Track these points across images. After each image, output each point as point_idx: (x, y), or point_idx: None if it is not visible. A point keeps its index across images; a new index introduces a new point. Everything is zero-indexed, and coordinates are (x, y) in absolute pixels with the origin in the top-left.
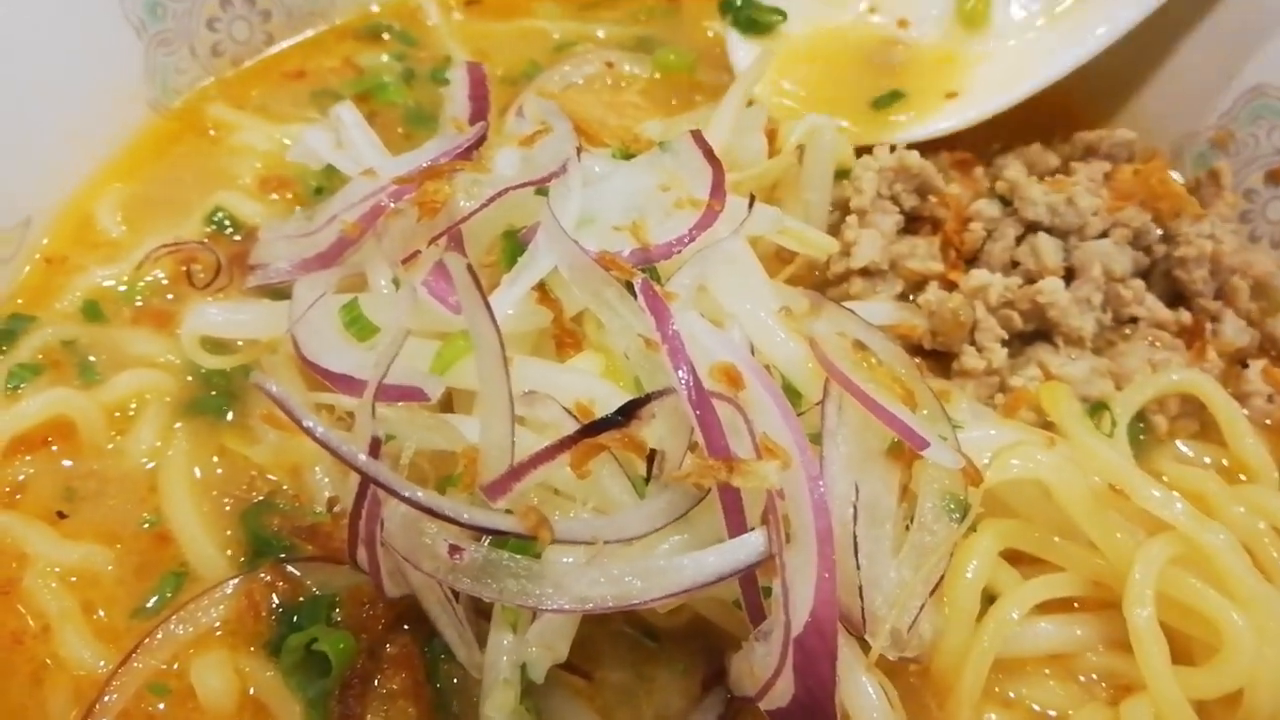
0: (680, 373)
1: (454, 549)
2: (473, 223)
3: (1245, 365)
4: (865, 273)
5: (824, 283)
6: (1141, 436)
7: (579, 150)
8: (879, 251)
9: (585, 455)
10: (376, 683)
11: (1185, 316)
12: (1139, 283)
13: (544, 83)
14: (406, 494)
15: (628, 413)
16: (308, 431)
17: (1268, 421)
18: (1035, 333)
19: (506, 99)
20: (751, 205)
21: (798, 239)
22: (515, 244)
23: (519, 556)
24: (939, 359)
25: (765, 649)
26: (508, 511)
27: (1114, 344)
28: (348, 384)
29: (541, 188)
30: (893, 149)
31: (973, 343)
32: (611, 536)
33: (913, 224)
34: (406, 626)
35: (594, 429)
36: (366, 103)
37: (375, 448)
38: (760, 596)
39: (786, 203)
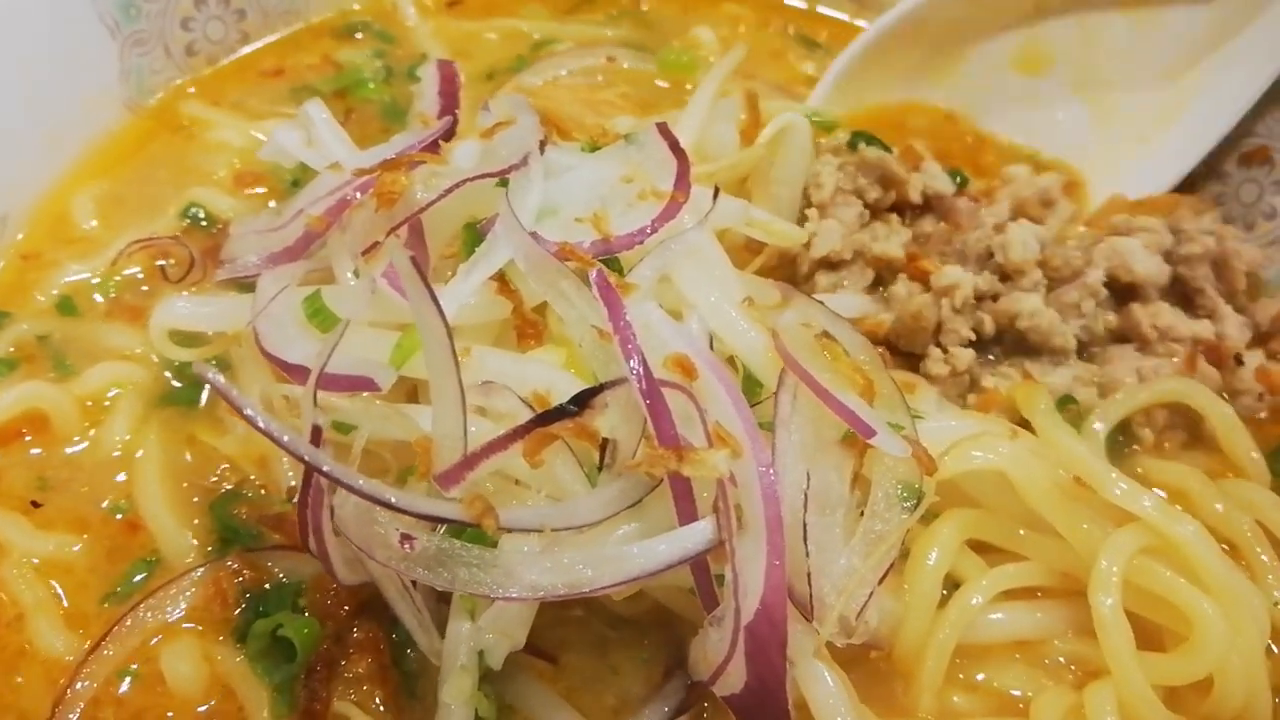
0: (632, 363)
1: (405, 538)
2: (433, 215)
3: (1240, 362)
4: (829, 264)
5: (795, 276)
6: (1126, 450)
7: (544, 143)
8: (839, 241)
9: (538, 444)
10: (342, 665)
11: (1202, 328)
12: (1162, 304)
13: (530, 75)
14: (350, 483)
15: (581, 402)
16: (249, 421)
17: (1262, 415)
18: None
19: (485, 93)
20: (716, 197)
21: (764, 230)
22: (475, 236)
23: (471, 545)
24: (912, 356)
25: (718, 635)
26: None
27: (1103, 349)
28: (301, 374)
29: (504, 180)
30: (851, 143)
31: (939, 344)
32: (560, 524)
33: (878, 216)
34: (372, 612)
35: (547, 418)
36: (344, 99)
37: (316, 436)
38: (713, 584)
39: (756, 195)
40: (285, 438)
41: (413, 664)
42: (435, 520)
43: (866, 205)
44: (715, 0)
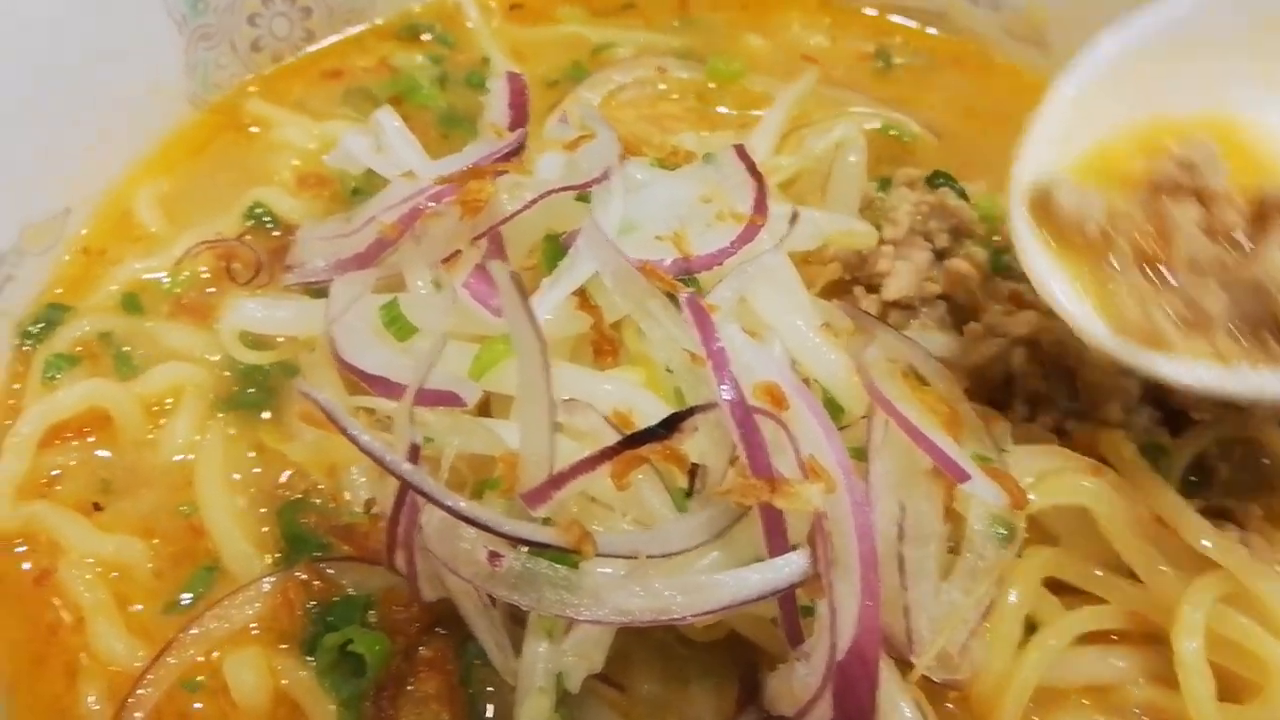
0: (724, 388)
1: (493, 556)
2: (513, 226)
3: None
4: (897, 305)
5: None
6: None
7: (621, 157)
8: (912, 286)
9: (626, 466)
10: (410, 685)
11: None
12: None
13: (587, 90)
14: (448, 503)
15: (670, 425)
16: (352, 439)
17: None
18: None
19: (548, 101)
20: (794, 221)
21: (842, 238)
22: (556, 248)
23: (558, 566)
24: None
25: (806, 670)
26: (547, 521)
27: None
28: (384, 386)
29: (583, 193)
30: (930, 180)
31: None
32: (653, 551)
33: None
34: (441, 630)
35: (636, 440)
36: (401, 105)
37: (414, 454)
38: (798, 616)
39: (809, 204)
40: (387, 457)
41: (480, 685)
42: (532, 544)
43: (935, 251)
44: (767, 5)
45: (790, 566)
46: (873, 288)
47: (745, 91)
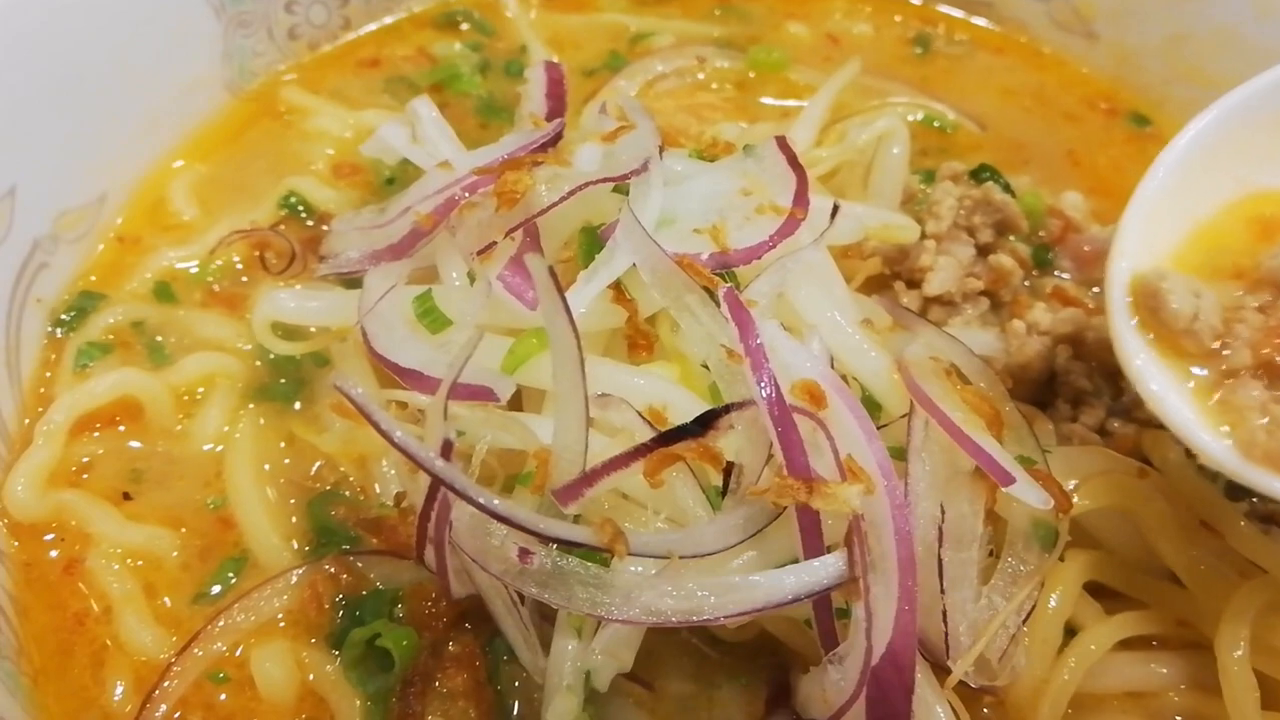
0: (763, 386)
1: (524, 553)
2: (550, 217)
3: None
4: (939, 300)
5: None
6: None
7: (660, 149)
8: (955, 281)
9: (660, 464)
10: (437, 682)
11: None
12: None
13: (624, 81)
14: (481, 500)
15: (706, 423)
16: (385, 435)
17: None
18: None
19: (585, 90)
20: (835, 215)
21: (883, 231)
22: (594, 240)
23: (589, 564)
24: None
25: (840, 674)
26: (579, 519)
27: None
28: (417, 380)
29: (621, 185)
30: (975, 174)
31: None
32: (686, 551)
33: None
34: (469, 625)
35: (671, 437)
36: (440, 93)
37: (447, 450)
38: (833, 619)
39: (849, 198)
40: (420, 452)
41: (508, 682)
42: (565, 543)
43: (978, 247)
44: None
45: (826, 569)
46: (914, 283)
47: (786, 81)
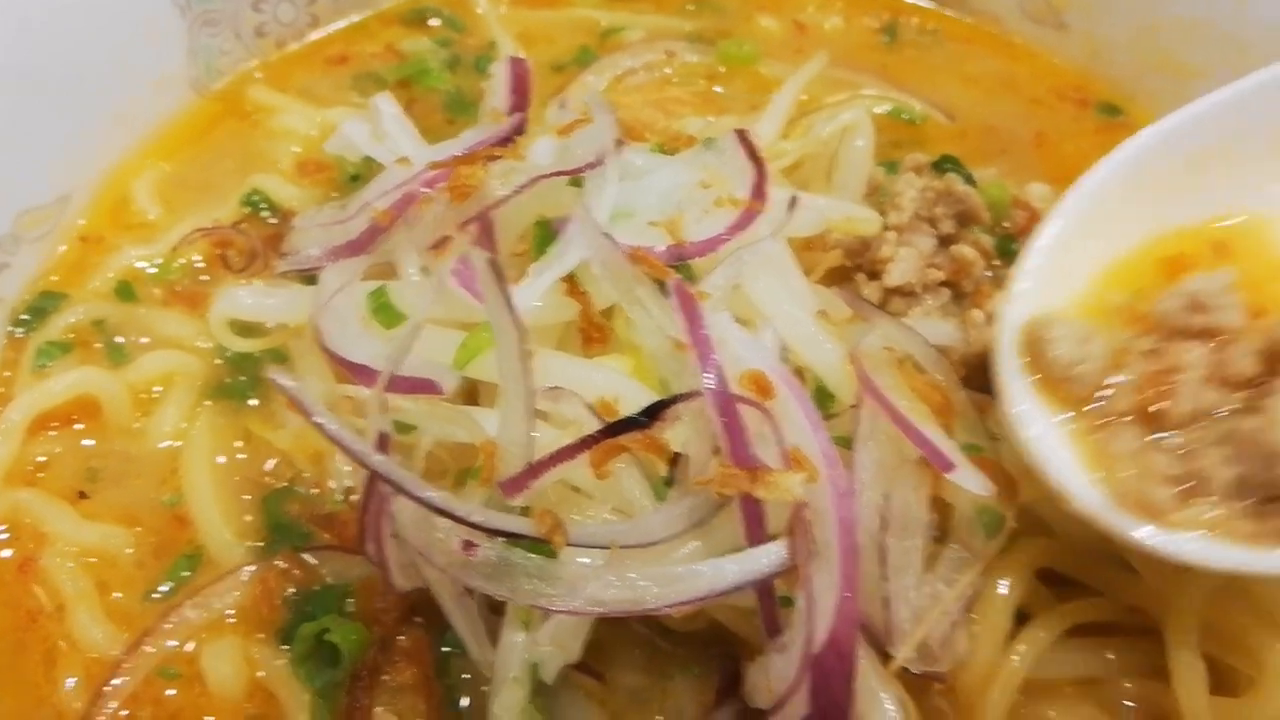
0: (708, 376)
1: (468, 545)
2: (505, 211)
3: None
4: (900, 291)
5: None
6: None
7: (619, 143)
8: (915, 273)
9: (606, 455)
10: (386, 676)
11: None
12: None
13: (593, 76)
14: (418, 493)
15: (652, 414)
16: (319, 428)
17: None
18: None
19: (554, 85)
20: (793, 206)
21: (845, 223)
22: (547, 233)
23: (533, 555)
24: None
25: (783, 662)
26: (523, 511)
27: None
28: (366, 375)
29: (577, 179)
30: (938, 165)
31: None
32: (630, 541)
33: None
34: (419, 620)
35: (616, 429)
36: (408, 89)
37: (383, 443)
38: (777, 607)
39: (813, 190)
40: (355, 446)
41: (457, 675)
42: (503, 534)
43: (940, 238)
44: None
45: (769, 557)
46: (875, 274)
47: (756, 75)
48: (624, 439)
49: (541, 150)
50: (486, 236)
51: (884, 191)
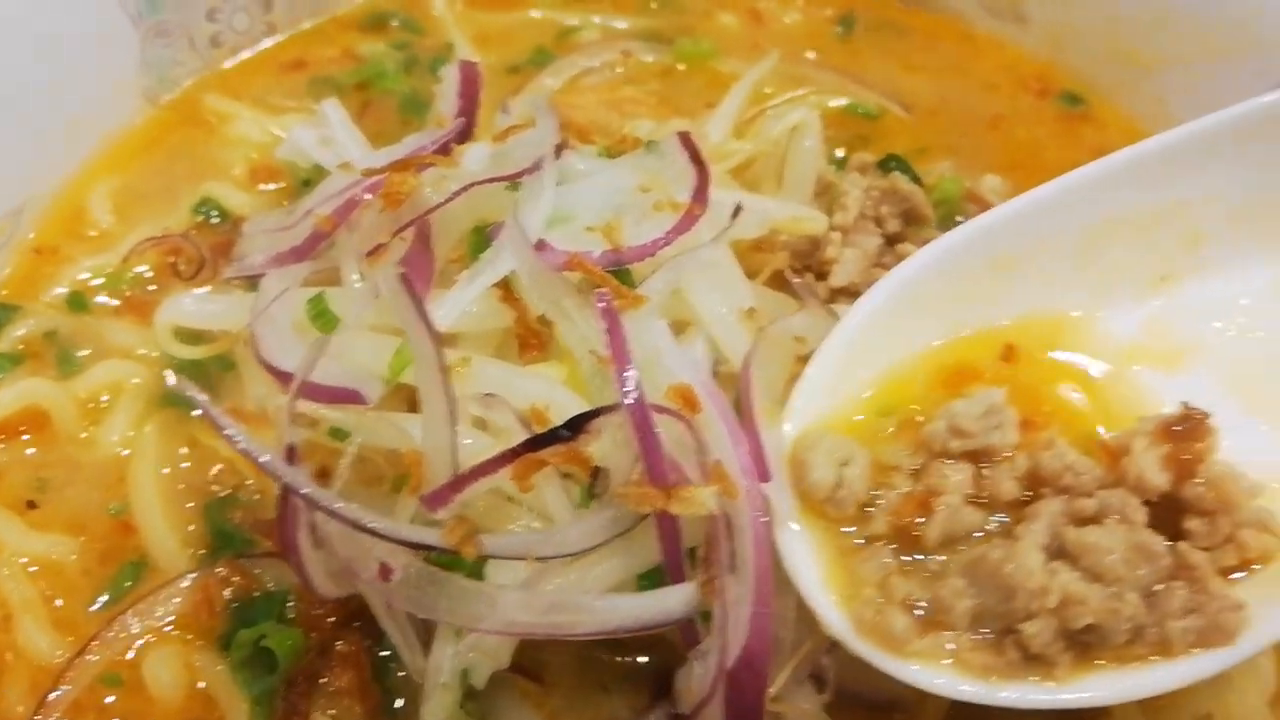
0: (627, 391)
1: (384, 569)
2: (441, 217)
3: None
4: (845, 291)
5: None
6: None
7: (560, 147)
8: (859, 273)
9: (528, 469)
10: (324, 680)
11: None
12: None
13: (549, 77)
14: (328, 506)
15: (575, 427)
16: (229, 440)
17: None
18: None
19: (509, 87)
20: (737, 214)
21: (792, 224)
22: (482, 240)
23: (454, 576)
24: None
25: (702, 670)
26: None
27: None
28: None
29: (515, 184)
30: (883, 164)
31: None
32: (548, 552)
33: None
34: (358, 625)
35: (540, 442)
36: (364, 92)
37: (291, 454)
38: (696, 622)
39: (764, 192)
40: (264, 458)
41: (394, 680)
42: (416, 546)
43: (885, 237)
44: None
45: (681, 597)
46: (822, 274)
47: (714, 72)
48: (546, 453)
49: (475, 156)
50: (423, 243)
51: (835, 190)
